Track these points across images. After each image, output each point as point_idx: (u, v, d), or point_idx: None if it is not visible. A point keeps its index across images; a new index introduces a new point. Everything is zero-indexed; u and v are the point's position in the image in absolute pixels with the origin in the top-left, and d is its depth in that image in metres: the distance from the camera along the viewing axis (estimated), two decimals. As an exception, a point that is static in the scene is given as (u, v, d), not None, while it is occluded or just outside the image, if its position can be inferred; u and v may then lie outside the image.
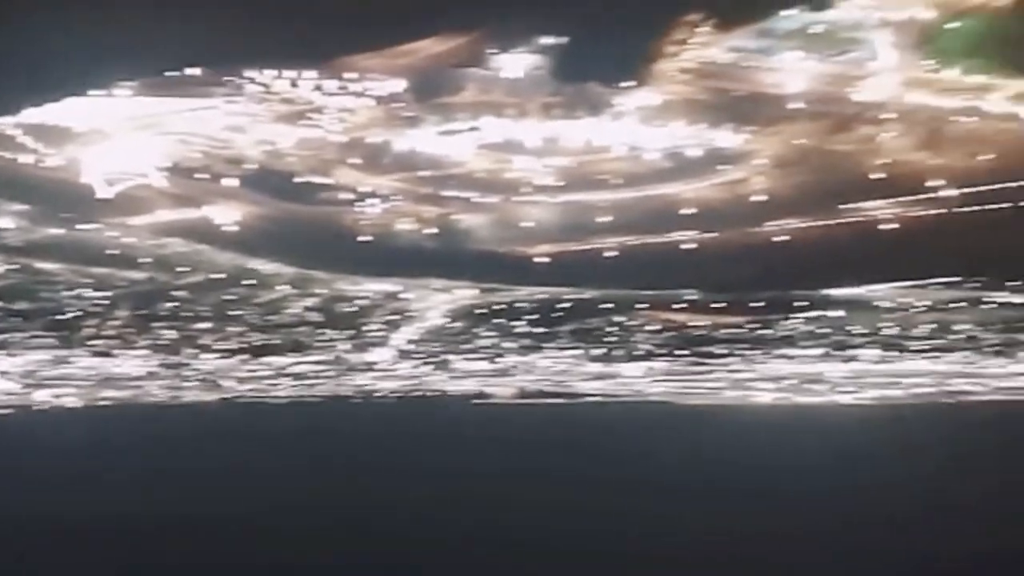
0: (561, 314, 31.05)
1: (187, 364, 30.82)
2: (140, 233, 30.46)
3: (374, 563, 29.49)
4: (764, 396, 31.36)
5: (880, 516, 29.28)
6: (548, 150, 30.85)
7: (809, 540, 28.53)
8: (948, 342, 30.44)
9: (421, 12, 29.81)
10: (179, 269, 30.53)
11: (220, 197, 30.60)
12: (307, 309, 30.95)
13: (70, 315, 30.26)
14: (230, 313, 30.74)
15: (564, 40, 30.82)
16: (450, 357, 31.25)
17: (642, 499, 29.19)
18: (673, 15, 30.84)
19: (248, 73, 30.45)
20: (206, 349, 30.76)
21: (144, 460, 30.63)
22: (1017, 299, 30.08)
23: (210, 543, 29.61)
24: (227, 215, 30.53)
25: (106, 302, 30.35)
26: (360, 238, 30.73)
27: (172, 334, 30.57)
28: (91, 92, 29.99)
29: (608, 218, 30.61)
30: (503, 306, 31.13)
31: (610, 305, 30.96)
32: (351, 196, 30.89)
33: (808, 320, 30.64)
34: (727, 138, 30.77)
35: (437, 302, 31.25)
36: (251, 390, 31.30)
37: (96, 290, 30.27)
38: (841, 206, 29.93)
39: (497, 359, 31.21)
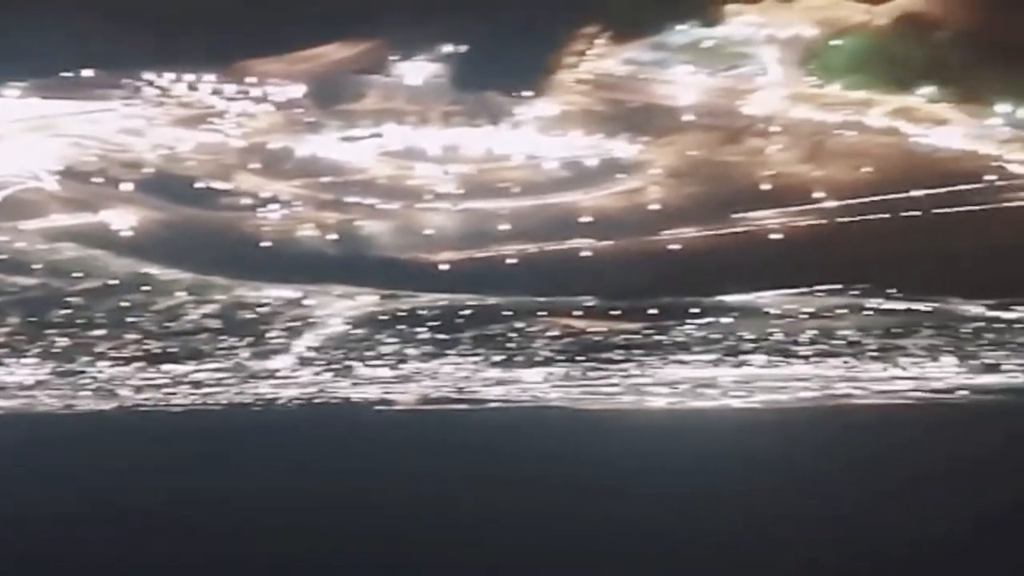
0: (463, 320, 31.25)
1: (82, 372, 30.02)
2: (32, 238, 29.70)
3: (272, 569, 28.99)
4: (659, 400, 31.75)
5: (768, 516, 29.91)
6: (449, 158, 31.14)
7: (700, 539, 29.02)
8: (831, 347, 31.30)
9: (322, 17, 29.84)
10: (73, 275, 29.89)
11: (116, 201, 29.99)
12: (206, 316, 30.50)
13: (-44, 322, 29.30)
14: (126, 320, 30.13)
15: (465, 49, 31.18)
16: (353, 364, 31.08)
17: (542, 501, 29.34)
18: (571, 27, 31.47)
19: (146, 76, 30.00)
20: (101, 357, 30.03)
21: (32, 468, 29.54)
22: (896, 305, 31.14)
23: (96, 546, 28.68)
24: (124, 220, 29.92)
25: (-4, 308, 29.46)
26: (261, 244, 30.48)
27: (65, 341, 29.78)
28: (-20, 92, 29.21)
29: (508, 226, 31.01)
30: (405, 312, 31.22)
31: (511, 312, 31.25)
32: (251, 202, 30.69)
33: (701, 326, 31.30)
34: (623, 148, 31.48)
35: (339, 308, 31.09)
36: (148, 399, 30.58)
37: (-16, 296, 29.39)
38: (732, 215, 30.88)
39: (400, 365, 31.14)
